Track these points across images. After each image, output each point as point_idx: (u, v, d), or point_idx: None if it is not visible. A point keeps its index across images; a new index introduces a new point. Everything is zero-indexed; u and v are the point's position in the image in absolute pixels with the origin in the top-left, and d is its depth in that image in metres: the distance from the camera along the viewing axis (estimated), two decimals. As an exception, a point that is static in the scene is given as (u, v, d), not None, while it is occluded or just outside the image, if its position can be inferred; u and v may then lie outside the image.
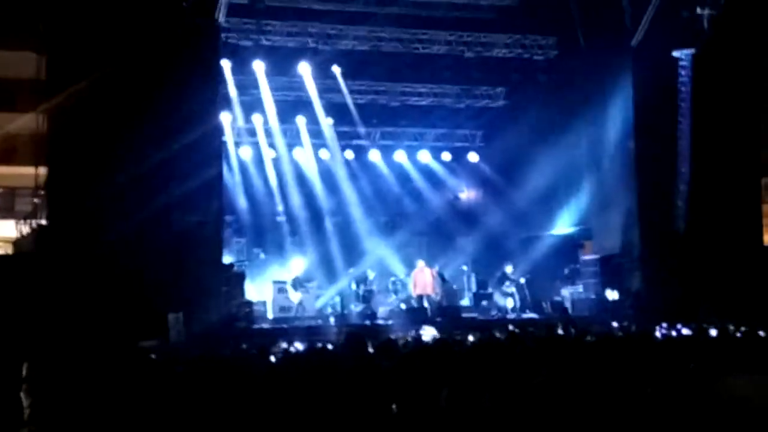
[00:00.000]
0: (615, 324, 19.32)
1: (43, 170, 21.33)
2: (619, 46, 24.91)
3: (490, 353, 11.18)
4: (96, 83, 20.19)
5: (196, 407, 8.48)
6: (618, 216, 25.38)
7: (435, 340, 14.96)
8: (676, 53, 23.67)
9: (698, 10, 23.28)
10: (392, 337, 16.87)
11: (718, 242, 23.44)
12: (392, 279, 28.18)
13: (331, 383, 8.54)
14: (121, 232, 19.70)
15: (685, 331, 15.00)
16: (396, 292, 27.67)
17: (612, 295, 24.80)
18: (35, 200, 23.57)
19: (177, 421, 8.23)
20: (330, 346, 13.95)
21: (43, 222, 21.22)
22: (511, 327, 17.92)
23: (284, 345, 17.31)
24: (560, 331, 16.06)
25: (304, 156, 31.36)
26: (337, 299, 27.64)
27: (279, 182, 30.91)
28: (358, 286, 27.24)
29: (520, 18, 27.82)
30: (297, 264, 27.59)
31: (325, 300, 27.71)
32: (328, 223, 31.01)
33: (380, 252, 30.56)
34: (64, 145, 20.91)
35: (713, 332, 13.61)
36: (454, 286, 28.23)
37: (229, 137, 28.78)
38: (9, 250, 25.43)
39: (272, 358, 12.69)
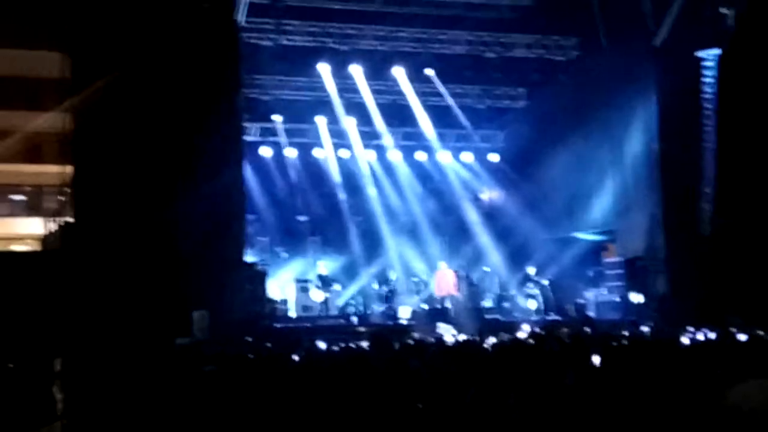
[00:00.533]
0: (643, 328, 19.21)
1: (68, 168, 21.44)
2: (641, 46, 24.81)
3: (516, 354, 11.17)
4: (119, 82, 20.26)
5: (224, 405, 8.51)
6: (642, 218, 25.27)
7: (461, 341, 14.95)
8: (700, 53, 23.50)
9: (722, 10, 23.13)
10: (416, 337, 16.91)
11: (743, 245, 23.24)
12: (414, 279, 28.19)
13: (361, 383, 8.54)
14: (146, 229, 19.77)
15: (711, 335, 14.90)
16: (418, 292, 27.68)
17: (636, 298, 24.69)
18: (61, 198, 23.72)
19: (205, 419, 8.27)
20: (353, 346, 13.96)
21: (70, 219, 21.33)
22: (536, 329, 17.84)
23: (308, 344, 17.40)
24: (583, 335, 16.02)
25: (325, 156, 31.39)
26: (359, 299, 27.66)
27: (300, 181, 30.96)
28: (380, 286, 27.26)
29: (541, 18, 27.78)
30: (320, 263, 27.64)
31: (345, 299, 27.72)
32: (350, 223, 31.00)
33: (402, 252, 30.57)
34: (89, 143, 21.00)
35: (741, 336, 13.50)
36: (480, 289, 28.29)
37: (249, 137, 28.84)
38: (37, 246, 25.61)
39: (295, 357, 12.68)
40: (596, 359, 9.72)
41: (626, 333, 16.50)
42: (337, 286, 26.78)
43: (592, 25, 26.93)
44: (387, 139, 31.75)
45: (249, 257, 24.22)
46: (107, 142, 20.53)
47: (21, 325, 17.22)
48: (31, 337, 15.35)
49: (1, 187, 36.02)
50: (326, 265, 27.77)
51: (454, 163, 33.13)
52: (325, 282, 26.28)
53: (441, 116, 31.51)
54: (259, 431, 7.80)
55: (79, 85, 21.04)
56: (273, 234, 29.75)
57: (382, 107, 30.33)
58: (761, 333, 14.40)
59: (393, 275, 28.08)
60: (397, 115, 31.11)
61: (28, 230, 32.26)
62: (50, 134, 27.42)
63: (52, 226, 23.30)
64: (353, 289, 28.24)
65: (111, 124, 20.54)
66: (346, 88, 29.20)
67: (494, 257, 30.80)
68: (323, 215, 30.85)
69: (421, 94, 30.23)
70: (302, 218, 30.90)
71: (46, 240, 23.86)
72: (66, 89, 21.76)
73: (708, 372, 9.46)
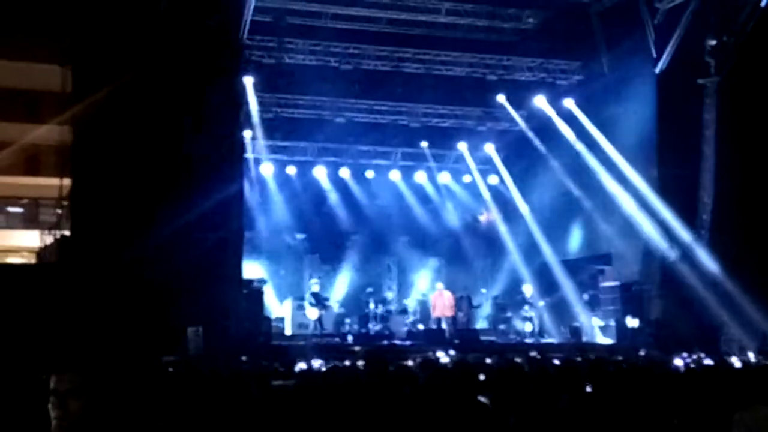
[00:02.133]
0: (640, 352, 19.20)
1: (67, 181, 21.45)
2: (643, 72, 24.87)
3: (512, 377, 11.14)
4: (120, 96, 20.29)
5: (216, 422, 8.47)
6: (639, 243, 25.26)
7: (455, 362, 14.91)
8: (701, 81, 23.55)
9: (723, 38, 23.20)
10: (409, 360, 16.86)
11: (740, 271, 23.20)
12: (411, 299, 28.14)
13: (351, 403, 8.51)
14: (143, 244, 19.74)
15: (707, 362, 14.87)
16: (414, 312, 27.63)
17: (632, 322, 24.66)
18: (59, 211, 23.72)
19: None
20: (348, 363, 13.90)
21: (66, 233, 21.32)
22: (532, 353, 17.80)
23: (302, 363, 17.35)
24: (579, 358, 15.99)
25: (324, 174, 31.42)
26: (355, 318, 27.57)
27: (299, 200, 30.97)
28: (376, 305, 27.21)
29: (544, 42, 27.89)
30: (313, 281, 27.62)
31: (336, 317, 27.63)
32: (348, 242, 31.01)
33: (399, 272, 30.59)
34: (87, 157, 21.02)
35: (736, 363, 13.49)
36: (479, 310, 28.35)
37: (250, 154, 28.84)
38: (33, 259, 25.60)
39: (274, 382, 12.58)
40: (589, 386, 9.70)
41: (621, 357, 16.48)
42: (331, 304, 26.70)
43: (594, 50, 27.03)
44: (387, 159, 31.83)
45: (246, 274, 24.18)
46: (106, 156, 20.53)
47: (15, 338, 17.15)
48: (25, 352, 15.29)
49: (-3, 199, 36.07)
50: (322, 284, 27.72)
51: (453, 184, 33.14)
52: (319, 300, 26.25)
53: (441, 137, 31.58)
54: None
55: (79, 99, 21.07)
56: (270, 251, 29.72)
57: (382, 127, 30.40)
58: (759, 359, 14.42)
59: (390, 295, 28.07)
60: (398, 135, 31.16)
61: (24, 243, 32.27)
62: (49, 147, 27.54)
63: (49, 239, 23.30)
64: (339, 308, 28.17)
65: (110, 137, 20.55)
66: (348, 107, 29.25)
67: (491, 279, 30.83)
68: (321, 234, 30.83)
69: (422, 115, 30.27)
70: (300, 236, 30.90)
71: (42, 253, 23.84)
72: (66, 102, 21.79)
73: (704, 398, 9.44)
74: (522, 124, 29.96)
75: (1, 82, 31.32)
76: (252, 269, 26.27)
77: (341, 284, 29.48)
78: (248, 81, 25.56)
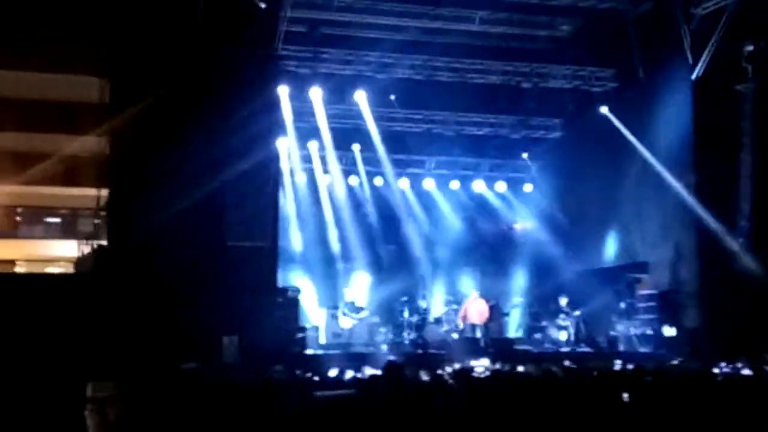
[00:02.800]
0: (675, 362, 19.05)
1: (104, 192, 21.64)
2: (679, 79, 24.70)
3: (548, 388, 11.09)
4: (157, 108, 20.47)
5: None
6: (675, 251, 25.07)
7: (490, 373, 14.87)
8: (738, 87, 23.35)
9: (760, 43, 23.01)
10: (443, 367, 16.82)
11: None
12: (445, 308, 28.07)
13: (366, 414, 8.51)
14: (179, 254, 19.88)
15: (746, 371, 14.72)
16: (449, 321, 27.57)
17: (669, 331, 24.46)
18: (96, 221, 23.93)
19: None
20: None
21: (104, 243, 21.50)
22: (567, 362, 17.68)
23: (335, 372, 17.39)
24: (617, 367, 15.91)
25: (359, 183, 31.47)
26: (390, 326, 27.52)
27: (334, 208, 31.01)
28: (411, 314, 27.16)
29: (579, 49, 27.79)
30: (350, 290, 27.65)
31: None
32: (382, 251, 31.01)
33: (434, 280, 30.56)
34: (125, 167, 21.20)
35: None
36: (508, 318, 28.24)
37: (284, 163, 28.91)
38: (70, 269, 25.81)
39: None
40: (626, 395, 9.65)
41: (658, 367, 16.34)
42: (365, 313, 26.67)
43: (629, 56, 26.89)
44: (421, 167, 31.85)
45: (282, 282, 24.26)
46: (143, 167, 20.71)
47: (53, 348, 17.30)
48: (63, 361, 15.41)
49: (37, 210, 36.42)
50: (356, 293, 27.73)
51: (487, 192, 33.07)
52: (352, 309, 26.25)
53: (476, 145, 31.53)
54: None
55: (117, 110, 21.27)
56: (305, 260, 29.78)
57: (416, 136, 30.43)
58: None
59: (424, 304, 28.03)
60: (432, 143, 31.15)
61: (62, 252, 32.54)
62: (87, 158, 27.78)
63: (86, 249, 23.50)
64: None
65: (147, 149, 20.73)
66: (382, 116, 29.29)
67: (526, 287, 30.73)
68: (356, 243, 30.86)
69: (456, 123, 30.23)
70: (335, 245, 30.97)
71: (79, 263, 24.05)
72: (104, 113, 22.00)
73: (742, 408, 9.35)
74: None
75: (40, 94, 31.67)
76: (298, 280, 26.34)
77: (375, 293, 29.45)
78: (283, 91, 25.64)
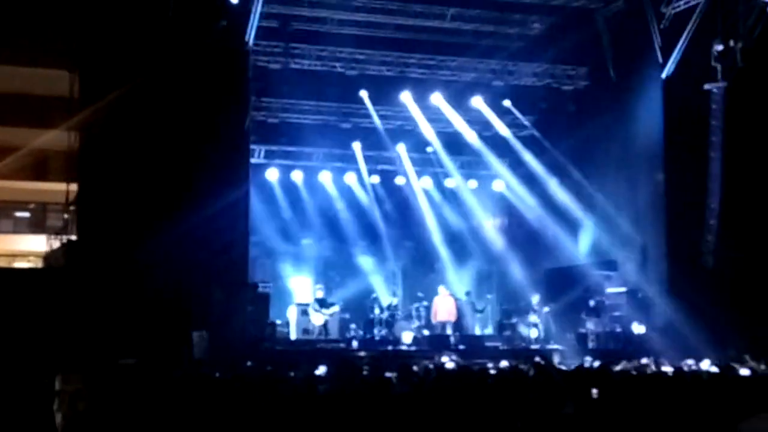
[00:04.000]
0: (643, 360, 19.13)
1: (73, 186, 21.51)
2: (649, 78, 24.90)
3: (516, 383, 11.13)
4: (126, 102, 20.38)
5: (219, 426, 8.49)
6: (645, 249, 25.24)
7: (458, 368, 14.90)
8: (707, 86, 23.51)
9: (730, 43, 23.17)
10: (413, 364, 16.81)
11: (747, 277, 23.15)
12: (416, 305, 28.09)
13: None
14: (149, 249, 19.79)
15: (713, 369, 14.82)
16: (419, 318, 27.59)
17: (638, 329, 24.62)
18: (66, 216, 23.79)
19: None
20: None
21: (73, 237, 21.38)
22: (537, 358, 17.74)
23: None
24: (586, 365, 15.95)
25: (330, 179, 31.44)
26: (360, 323, 27.51)
27: (305, 205, 30.99)
28: (381, 311, 27.18)
29: (550, 47, 27.87)
30: (317, 286, 27.61)
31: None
32: (353, 248, 31.01)
33: (404, 277, 30.60)
34: (94, 162, 21.11)
35: (743, 371, 13.43)
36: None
37: (256, 158, 28.85)
38: (40, 264, 25.65)
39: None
40: (594, 391, 9.68)
41: (626, 365, 16.42)
42: (335, 309, 26.60)
43: (600, 55, 27.03)
44: (392, 163, 31.83)
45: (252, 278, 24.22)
46: (113, 161, 20.62)
47: (22, 341, 17.21)
48: (32, 355, 15.34)
49: (5, 204, 36.08)
50: (326, 289, 27.70)
51: (459, 189, 33.09)
52: (323, 305, 26.21)
53: (447, 143, 31.51)
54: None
55: (86, 104, 21.15)
56: (276, 256, 29.75)
57: (389, 132, 30.40)
58: (765, 367, 14.34)
59: (394, 300, 28.05)
60: (405, 140, 31.14)
61: (31, 247, 32.29)
62: (56, 152, 27.56)
63: (56, 244, 23.35)
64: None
65: (117, 142, 20.64)
66: (352, 112, 29.28)
67: (496, 285, 30.83)
68: (326, 239, 30.88)
69: (430, 120, 30.20)
70: (306, 241, 30.95)
71: (49, 257, 23.91)
72: (73, 107, 21.86)
73: (709, 405, 9.42)
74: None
75: (9, 88, 31.36)
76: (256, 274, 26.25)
77: (345, 289, 29.44)
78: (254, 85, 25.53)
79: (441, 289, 27.64)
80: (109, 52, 20.99)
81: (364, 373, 12.17)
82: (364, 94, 28.44)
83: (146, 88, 20.55)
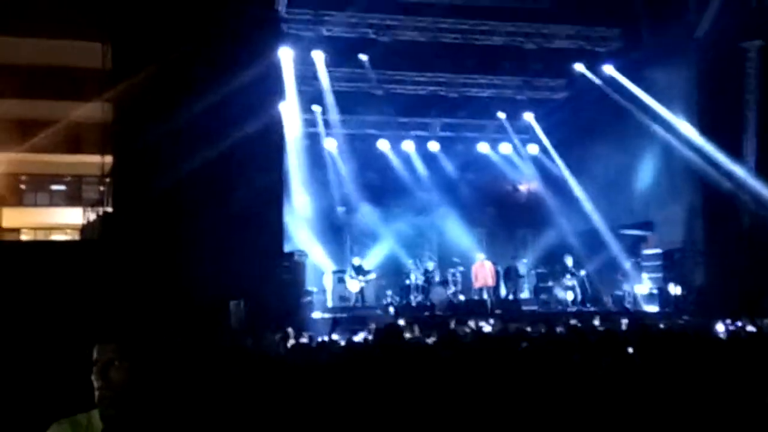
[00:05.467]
0: (679, 320, 19.13)
1: (108, 159, 21.65)
2: (683, 37, 24.58)
3: (552, 346, 11.15)
4: (159, 73, 20.39)
5: (257, 397, 8.56)
6: (681, 210, 25.09)
7: (497, 331, 14.96)
8: (742, 44, 23.21)
9: (766, 1, 22.84)
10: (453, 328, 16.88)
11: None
12: (452, 270, 28.13)
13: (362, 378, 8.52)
14: (184, 219, 19.90)
15: (749, 328, 14.77)
16: (455, 283, 27.63)
17: (675, 290, 24.52)
18: (101, 188, 23.98)
19: (236, 412, 8.31)
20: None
21: (109, 209, 21.54)
22: (573, 321, 17.76)
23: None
24: (623, 327, 15.95)
25: (365, 146, 31.44)
26: (396, 289, 27.59)
27: (339, 172, 31.04)
28: (417, 276, 27.25)
29: (582, 9, 27.59)
30: (357, 254, 27.71)
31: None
32: (388, 214, 31.02)
33: (440, 242, 30.61)
34: (128, 134, 21.17)
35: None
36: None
37: (288, 127, 28.88)
38: (76, 236, 25.90)
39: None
40: (630, 350, 9.69)
41: (663, 324, 16.40)
42: (371, 276, 26.70)
43: (633, 16, 26.73)
44: (426, 130, 31.78)
45: (288, 246, 24.31)
46: (147, 133, 20.68)
47: (60, 314, 17.40)
48: (70, 326, 15.52)
49: (41, 177, 36.48)
50: (362, 255, 27.80)
51: (492, 154, 33.03)
52: (359, 272, 26.32)
53: (480, 107, 31.41)
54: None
55: (119, 76, 21.20)
56: (312, 224, 29.84)
57: (421, 98, 30.32)
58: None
59: (431, 266, 28.08)
60: (437, 106, 31.07)
61: (67, 220, 32.64)
62: (90, 125, 27.73)
63: (92, 216, 23.56)
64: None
65: (151, 114, 20.69)
66: (387, 79, 29.21)
67: (532, 248, 30.78)
68: (361, 206, 30.91)
69: (462, 85, 30.09)
70: (340, 209, 31.02)
71: (85, 230, 24.12)
72: (107, 79, 21.94)
73: (746, 365, 9.39)
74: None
75: (41, 60, 31.59)
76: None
77: (382, 256, 29.52)
78: (286, 54, 25.49)
79: (479, 255, 27.67)
80: (141, 23, 21.00)
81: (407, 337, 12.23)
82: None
83: (178, 59, 20.57)
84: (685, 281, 24.42)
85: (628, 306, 25.07)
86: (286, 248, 23.50)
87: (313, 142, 30.73)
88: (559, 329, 15.20)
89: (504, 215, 32.19)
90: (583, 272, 26.73)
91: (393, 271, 28.59)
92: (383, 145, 31.65)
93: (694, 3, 24.15)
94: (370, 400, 7.84)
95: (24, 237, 34.13)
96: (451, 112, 31.57)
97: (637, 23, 26.62)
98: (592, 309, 25.30)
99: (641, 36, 26.57)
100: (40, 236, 33.74)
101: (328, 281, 26.75)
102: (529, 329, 16.23)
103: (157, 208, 20.25)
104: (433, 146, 32.33)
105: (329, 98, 28.97)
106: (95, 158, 23.26)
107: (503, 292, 28.07)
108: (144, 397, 4.47)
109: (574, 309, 25.38)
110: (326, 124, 30.63)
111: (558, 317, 20.97)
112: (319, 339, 16.41)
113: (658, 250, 25.83)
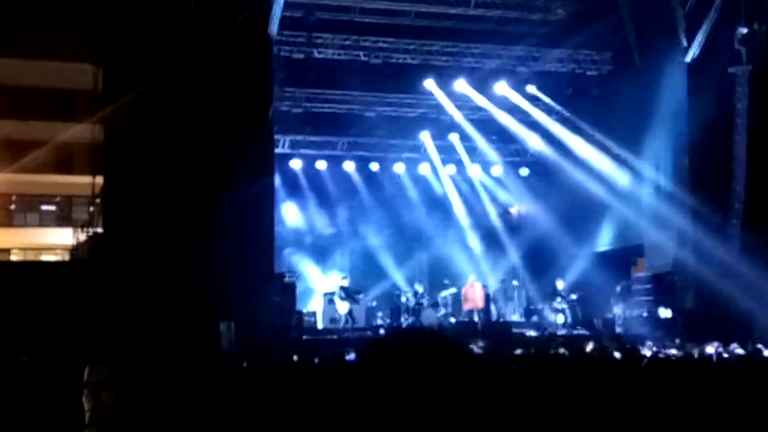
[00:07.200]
0: (670, 344, 19.10)
1: (99, 179, 21.65)
2: (674, 62, 24.71)
3: (543, 368, 11.16)
4: (151, 94, 20.44)
5: (245, 416, 8.55)
6: (671, 233, 25.12)
7: (485, 352, 14.92)
8: (732, 69, 23.34)
9: (754, 26, 22.99)
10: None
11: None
12: (442, 293, 28.10)
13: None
14: (175, 240, 19.88)
15: (739, 351, 14.78)
16: (446, 305, 27.61)
17: (665, 313, 24.53)
18: (91, 209, 23.97)
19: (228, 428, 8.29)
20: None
21: (99, 230, 21.52)
22: (562, 350, 17.70)
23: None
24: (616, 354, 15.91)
25: (354, 168, 31.45)
26: (387, 311, 27.59)
27: (329, 194, 31.03)
28: (407, 298, 27.22)
29: (574, 33, 27.75)
30: (344, 275, 27.66)
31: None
32: (378, 236, 30.98)
33: (431, 265, 30.59)
34: (119, 154, 21.20)
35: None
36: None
37: (281, 149, 28.90)
38: (66, 257, 25.85)
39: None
40: (621, 376, 9.71)
41: (654, 349, 16.39)
42: (362, 297, 26.64)
43: (624, 40, 26.89)
44: (415, 152, 31.80)
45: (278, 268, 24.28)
46: (138, 154, 20.71)
47: (50, 334, 17.34)
48: (60, 346, 15.45)
49: (32, 198, 36.40)
50: (352, 277, 27.76)
51: (483, 177, 33.04)
52: (349, 294, 26.26)
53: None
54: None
55: (110, 97, 21.25)
56: (301, 246, 29.81)
57: (414, 120, 30.39)
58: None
59: (420, 288, 28.07)
60: (428, 128, 31.10)
61: (57, 240, 32.55)
62: (81, 145, 27.74)
63: (82, 237, 23.53)
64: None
65: (142, 135, 20.72)
66: (376, 101, 29.29)
67: (523, 271, 30.78)
68: (351, 228, 30.88)
69: (456, 108, 30.12)
70: (330, 230, 30.99)
71: (75, 250, 24.07)
72: (98, 101, 21.98)
73: (735, 387, 9.41)
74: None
75: (34, 82, 31.62)
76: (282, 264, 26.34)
77: (372, 278, 29.48)
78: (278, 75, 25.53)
79: (470, 277, 27.68)
80: (132, 45, 21.07)
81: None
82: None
83: (170, 80, 20.62)
84: (675, 305, 24.43)
85: (618, 329, 25.02)
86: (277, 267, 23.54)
87: (306, 162, 30.73)
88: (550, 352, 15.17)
89: (495, 238, 32.14)
90: (573, 295, 26.72)
91: (383, 293, 28.56)
92: (374, 167, 31.60)
93: (685, 27, 24.27)
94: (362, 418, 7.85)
95: (14, 257, 34.02)
96: (441, 135, 31.50)
97: (628, 47, 26.74)
98: (582, 332, 25.28)
99: (632, 60, 26.68)
100: (30, 257, 33.63)
101: (318, 303, 26.70)
102: (518, 351, 16.21)
103: (146, 229, 20.25)
104: (424, 168, 32.29)
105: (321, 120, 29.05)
106: (86, 179, 23.27)
107: (494, 314, 28.06)
108: (134, 419, 4.47)
109: (563, 332, 25.34)
110: (314, 145, 30.63)
111: (547, 340, 20.92)
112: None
113: (649, 274, 25.85)
